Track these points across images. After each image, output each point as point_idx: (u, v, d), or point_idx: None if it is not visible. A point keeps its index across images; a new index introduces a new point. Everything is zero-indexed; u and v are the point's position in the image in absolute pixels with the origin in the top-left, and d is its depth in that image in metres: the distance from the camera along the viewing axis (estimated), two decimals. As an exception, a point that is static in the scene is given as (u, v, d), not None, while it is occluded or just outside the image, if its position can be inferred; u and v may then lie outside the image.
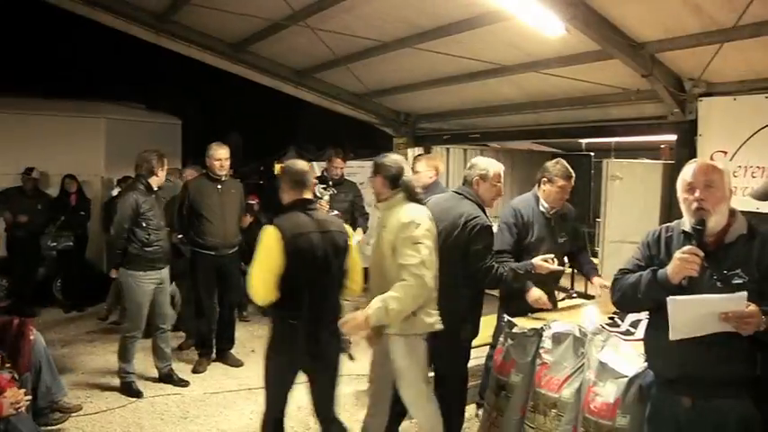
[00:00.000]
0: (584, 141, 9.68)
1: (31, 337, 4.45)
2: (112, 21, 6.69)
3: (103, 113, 10.43)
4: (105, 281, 7.57)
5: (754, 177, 5.16)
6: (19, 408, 3.55)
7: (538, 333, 3.91)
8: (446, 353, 3.97)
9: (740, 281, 2.42)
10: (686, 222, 2.61)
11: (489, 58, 6.04)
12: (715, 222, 2.50)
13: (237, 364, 6.22)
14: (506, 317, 4.23)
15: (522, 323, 4.11)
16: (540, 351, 3.85)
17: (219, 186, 5.98)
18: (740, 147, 5.20)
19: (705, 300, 2.34)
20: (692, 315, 2.37)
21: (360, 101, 8.73)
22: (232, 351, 6.35)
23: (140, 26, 6.87)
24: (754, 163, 5.16)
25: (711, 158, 5.63)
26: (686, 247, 2.46)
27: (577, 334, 3.68)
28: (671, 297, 2.38)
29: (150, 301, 5.41)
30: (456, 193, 4.13)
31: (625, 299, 2.74)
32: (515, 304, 4.46)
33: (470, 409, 4.67)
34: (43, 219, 8.52)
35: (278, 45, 7.15)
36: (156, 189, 5.46)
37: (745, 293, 2.31)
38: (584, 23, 4.61)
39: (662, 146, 8.47)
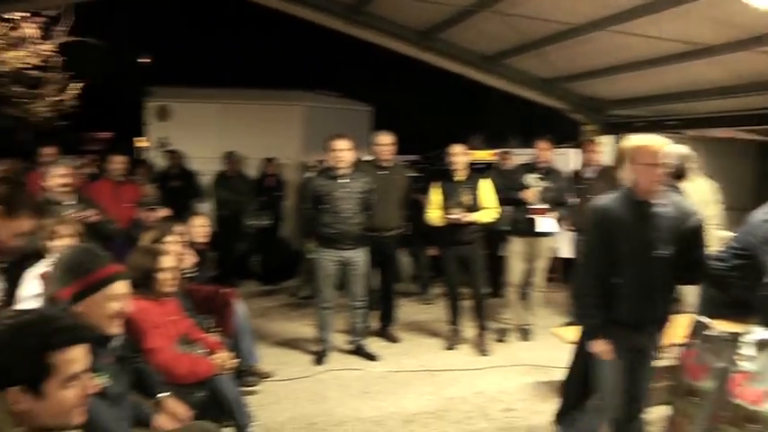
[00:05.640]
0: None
1: (235, 306, 4.90)
2: (307, 13, 7.18)
3: (302, 101, 11.24)
4: (297, 258, 8.13)
5: None
6: (227, 368, 3.89)
7: (737, 337, 3.60)
8: None
9: None
10: None
11: (691, 38, 5.60)
12: None
13: (394, 340, 6.51)
14: (700, 318, 3.94)
15: (719, 325, 3.80)
16: (740, 357, 3.55)
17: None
18: None
19: None
20: None
21: (548, 86, 8.49)
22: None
23: (333, 17, 7.26)
24: None
25: None
26: None
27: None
28: None
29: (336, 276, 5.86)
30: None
31: None
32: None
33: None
34: (245, 199, 9.25)
35: (466, 31, 7.14)
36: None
37: None
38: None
39: None
